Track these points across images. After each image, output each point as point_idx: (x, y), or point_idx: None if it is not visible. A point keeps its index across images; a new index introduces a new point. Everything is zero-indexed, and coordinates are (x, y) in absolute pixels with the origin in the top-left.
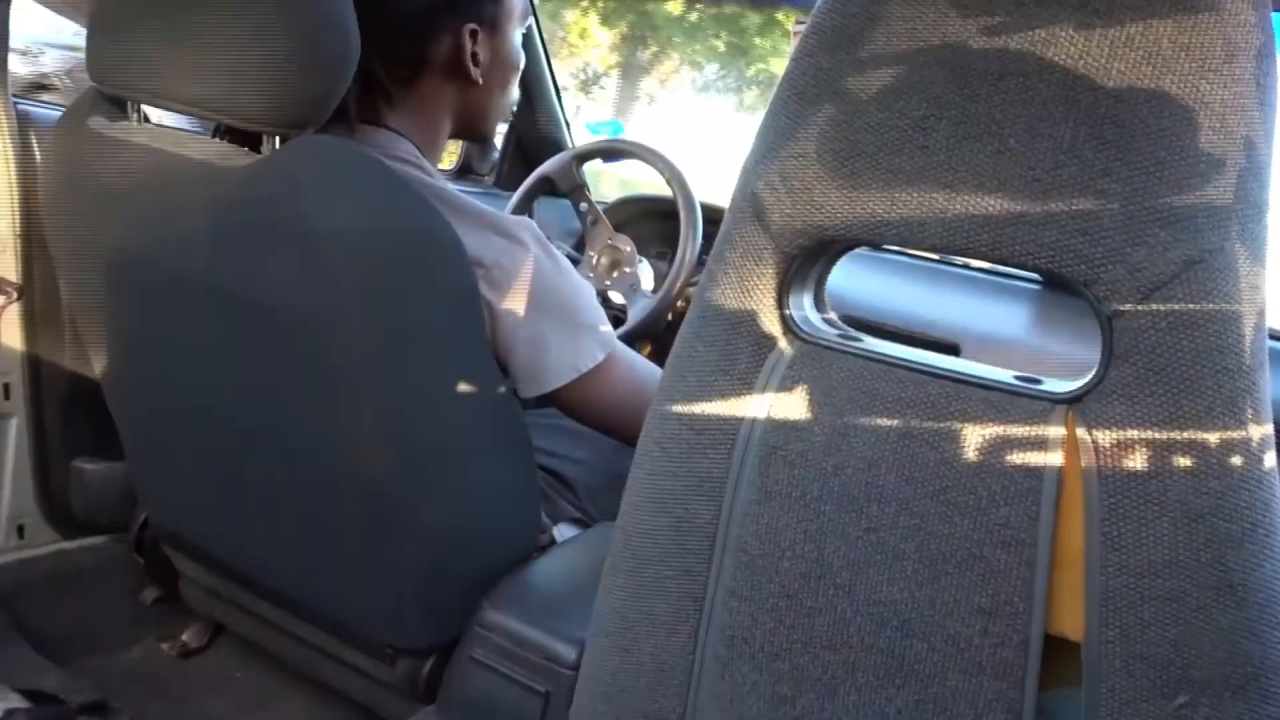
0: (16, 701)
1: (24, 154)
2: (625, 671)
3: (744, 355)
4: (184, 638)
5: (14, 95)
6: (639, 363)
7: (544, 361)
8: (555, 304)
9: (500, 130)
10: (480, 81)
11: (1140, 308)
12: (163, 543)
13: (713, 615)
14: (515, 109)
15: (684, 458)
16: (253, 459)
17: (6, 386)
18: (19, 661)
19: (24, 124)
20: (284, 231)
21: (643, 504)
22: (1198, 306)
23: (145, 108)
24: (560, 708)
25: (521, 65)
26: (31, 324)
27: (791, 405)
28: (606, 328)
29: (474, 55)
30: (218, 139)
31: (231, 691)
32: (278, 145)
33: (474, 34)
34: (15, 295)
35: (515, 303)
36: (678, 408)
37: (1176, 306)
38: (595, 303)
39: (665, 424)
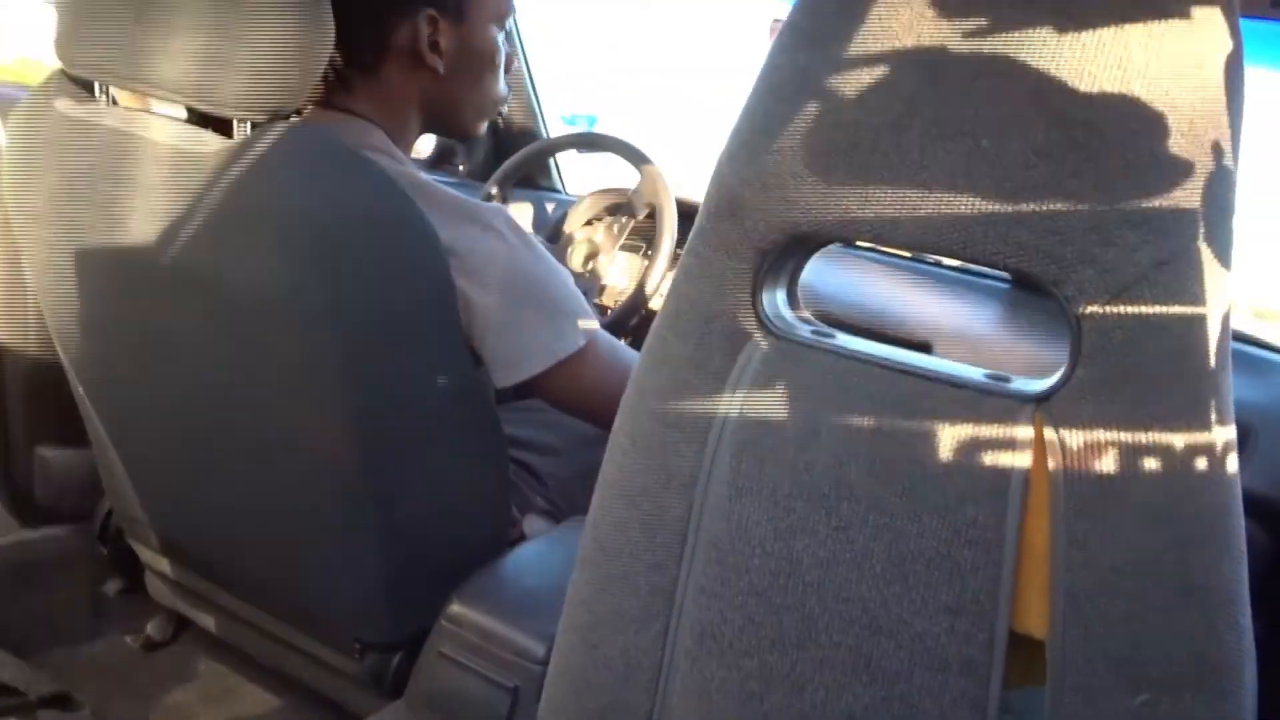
0: None
1: None
2: (594, 667)
3: (717, 351)
4: (148, 630)
5: None
6: (621, 350)
7: (521, 348)
8: (531, 290)
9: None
10: (441, 71)
11: (1108, 308)
12: (127, 533)
13: (683, 611)
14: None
15: (655, 452)
16: (220, 448)
17: None
18: None
19: None
20: (255, 219)
21: (613, 498)
22: (1164, 308)
23: (114, 91)
24: (529, 703)
25: (500, 61)
26: None
27: (764, 401)
28: (587, 314)
29: (434, 43)
30: (188, 123)
31: (196, 685)
32: (249, 131)
33: (433, 21)
34: None
35: (490, 290)
36: (649, 402)
37: (1144, 308)
38: (574, 289)
39: (637, 419)
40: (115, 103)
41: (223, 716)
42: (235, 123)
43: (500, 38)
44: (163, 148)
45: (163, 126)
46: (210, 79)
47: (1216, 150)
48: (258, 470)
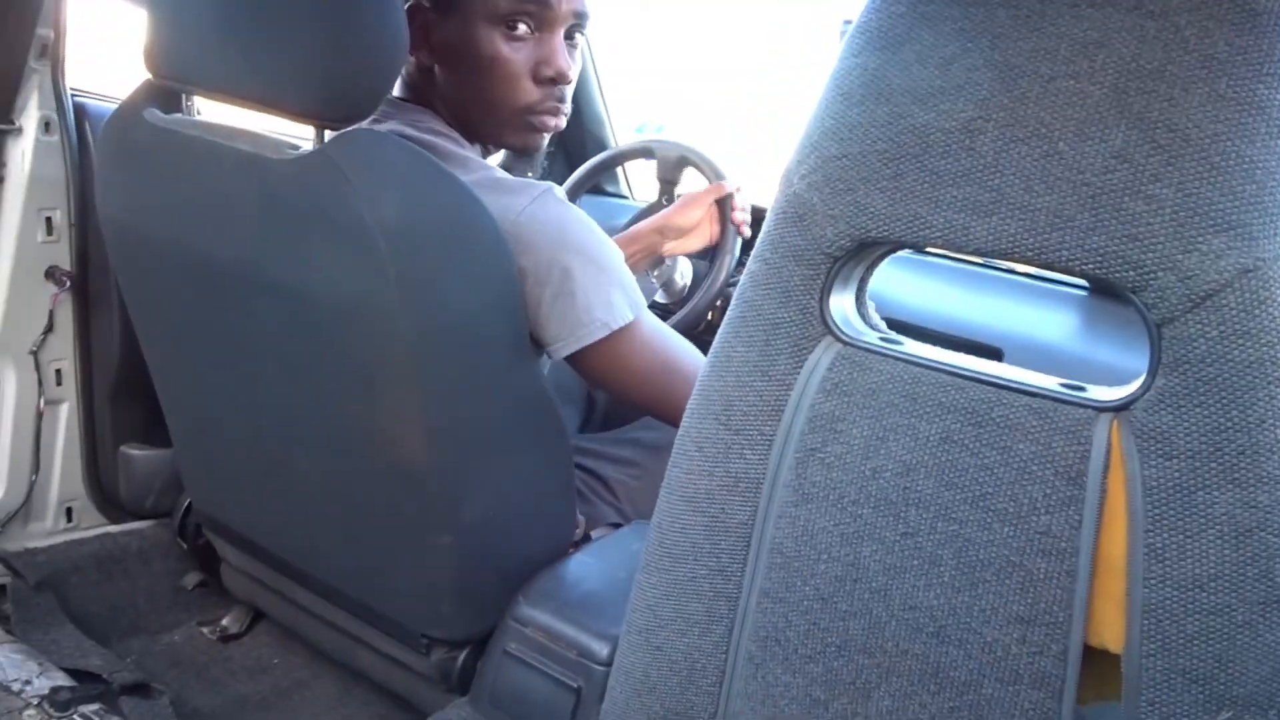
0: (62, 679)
1: (79, 145)
2: (657, 669)
3: (783, 356)
4: (224, 622)
5: (72, 89)
6: (668, 332)
7: (573, 316)
8: (583, 257)
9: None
10: (431, 65)
11: (1190, 316)
12: (205, 529)
13: (746, 615)
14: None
15: (720, 457)
16: (295, 448)
17: (59, 373)
18: (65, 641)
19: (79, 115)
20: (332, 224)
21: (678, 503)
22: (1250, 315)
23: (198, 101)
24: (592, 703)
25: (511, 65)
26: (84, 312)
27: (830, 407)
28: (635, 289)
29: (421, 34)
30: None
31: (269, 677)
32: (327, 138)
33: (420, 11)
34: (68, 284)
35: (542, 256)
36: (715, 407)
37: (1228, 315)
38: (623, 262)
39: (702, 423)
40: (200, 112)
41: (294, 707)
42: (314, 129)
43: (506, 43)
44: (244, 155)
45: (245, 135)
46: (288, 87)
47: None
48: (332, 470)
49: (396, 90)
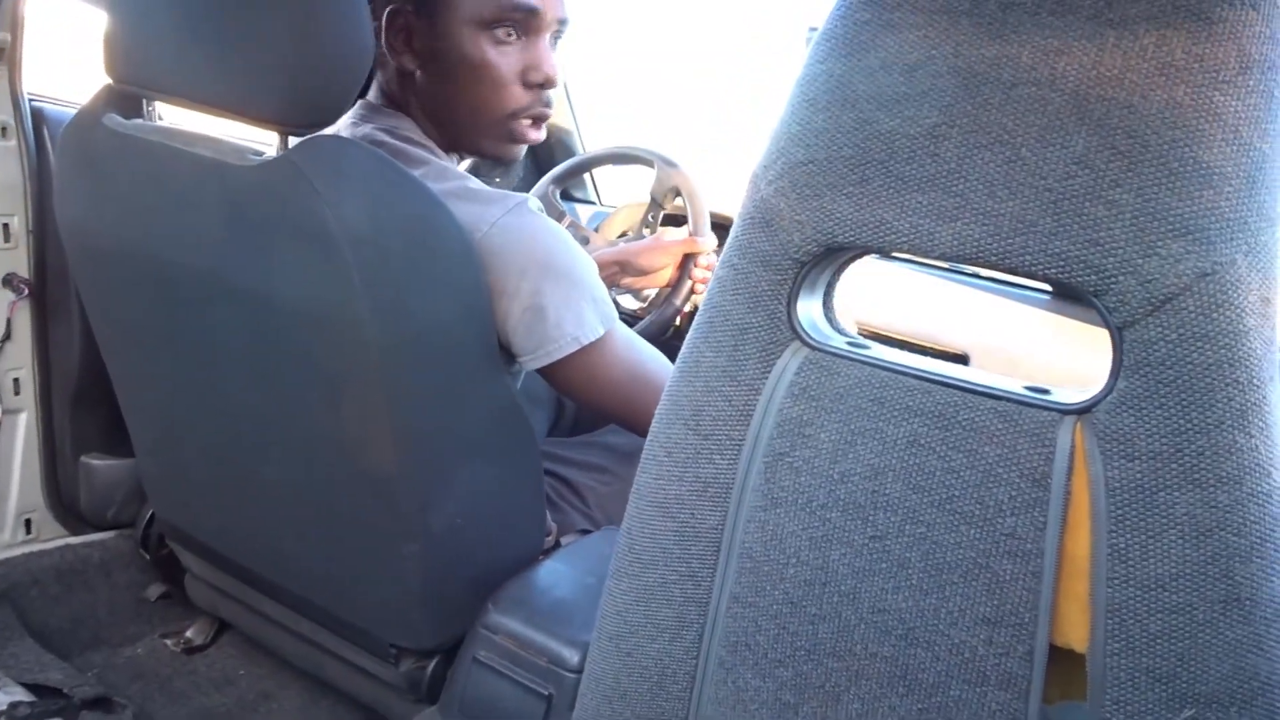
0: (21, 695)
1: (38, 150)
2: (628, 675)
3: (751, 361)
4: (188, 634)
5: (29, 93)
6: (639, 342)
7: (544, 331)
8: (555, 272)
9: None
10: (413, 70)
11: (1151, 320)
12: (168, 539)
13: (716, 621)
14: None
15: (689, 463)
16: (260, 457)
17: (16, 381)
18: (24, 655)
19: (37, 120)
20: (297, 231)
21: (648, 509)
22: (1209, 318)
23: (159, 106)
24: (563, 711)
25: (486, 69)
26: (42, 320)
27: (798, 412)
28: (607, 302)
29: (403, 38)
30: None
31: (234, 689)
32: (290, 144)
33: (399, 15)
34: (26, 291)
35: (512, 269)
36: (684, 413)
37: (1188, 318)
38: (596, 275)
39: (671, 429)
40: (161, 118)
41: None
42: (278, 135)
43: (492, 47)
44: (207, 161)
45: (207, 140)
46: (252, 92)
47: (1261, 157)
48: (298, 479)
49: (373, 95)
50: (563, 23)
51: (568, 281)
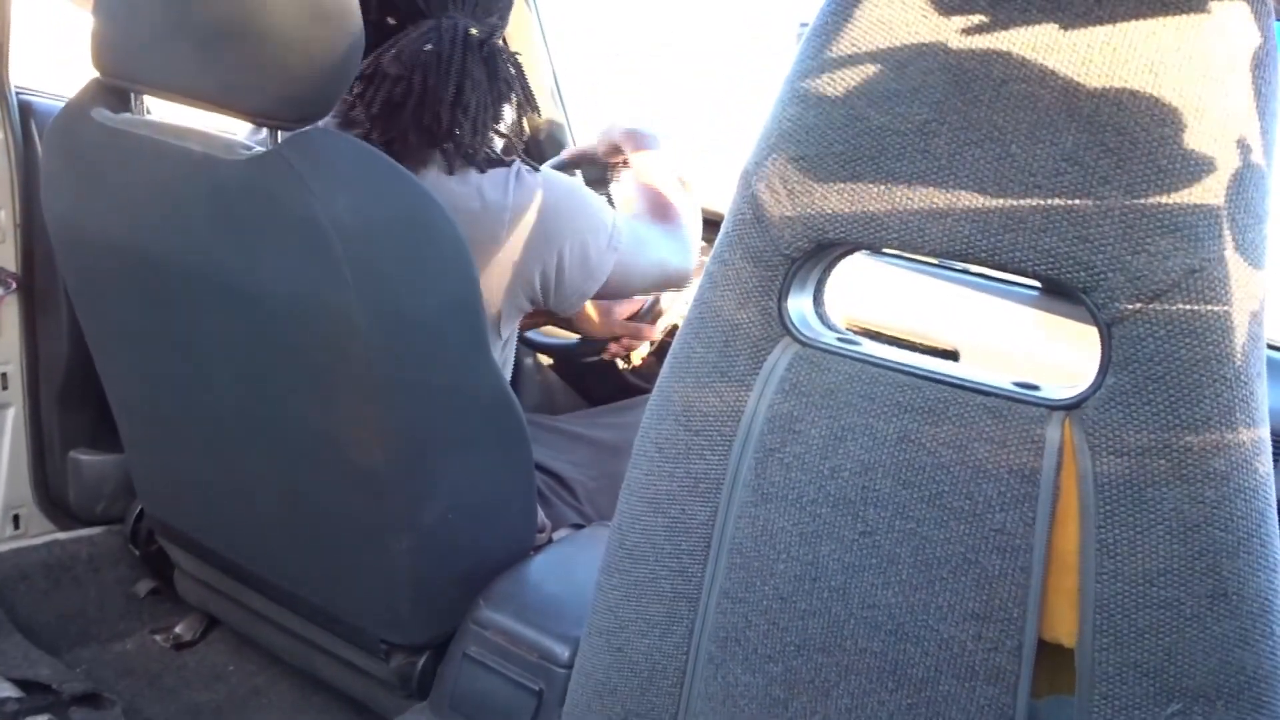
0: (9, 690)
1: (25, 144)
2: (618, 671)
3: (742, 357)
4: (177, 630)
5: (17, 87)
6: (643, 235)
7: (564, 287)
8: (570, 227)
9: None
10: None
11: (1139, 315)
12: (158, 535)
13: (706, 616)
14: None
15: (680, 458)
16: (250, 452)
17: (4, 376)
18: (12, 651)
19: (25, 114)
20: (287, 225)
21: (638, 504)
22: (1196, 315)
23: (147, 100)
24: (553, 706)
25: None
26: (30, 314)
27: (789, 408)
28: (613, 227)
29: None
30: (220, 131)
31: (224, 685)
32: (280, 139)
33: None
34: (14, 285)
35: (519, 237)
36: (674, 408)
37: (1175, 315)
38: (598, 206)
39: (662, 424)
40: (149, 111)
41: (250, 715)
42: (267, 130)
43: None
44: (196, 155)
45: (196, 134)
46: (242, 87)
47: (1248, 153)
48: (287, 473)
49: None
50: None
51: (581, 237)
